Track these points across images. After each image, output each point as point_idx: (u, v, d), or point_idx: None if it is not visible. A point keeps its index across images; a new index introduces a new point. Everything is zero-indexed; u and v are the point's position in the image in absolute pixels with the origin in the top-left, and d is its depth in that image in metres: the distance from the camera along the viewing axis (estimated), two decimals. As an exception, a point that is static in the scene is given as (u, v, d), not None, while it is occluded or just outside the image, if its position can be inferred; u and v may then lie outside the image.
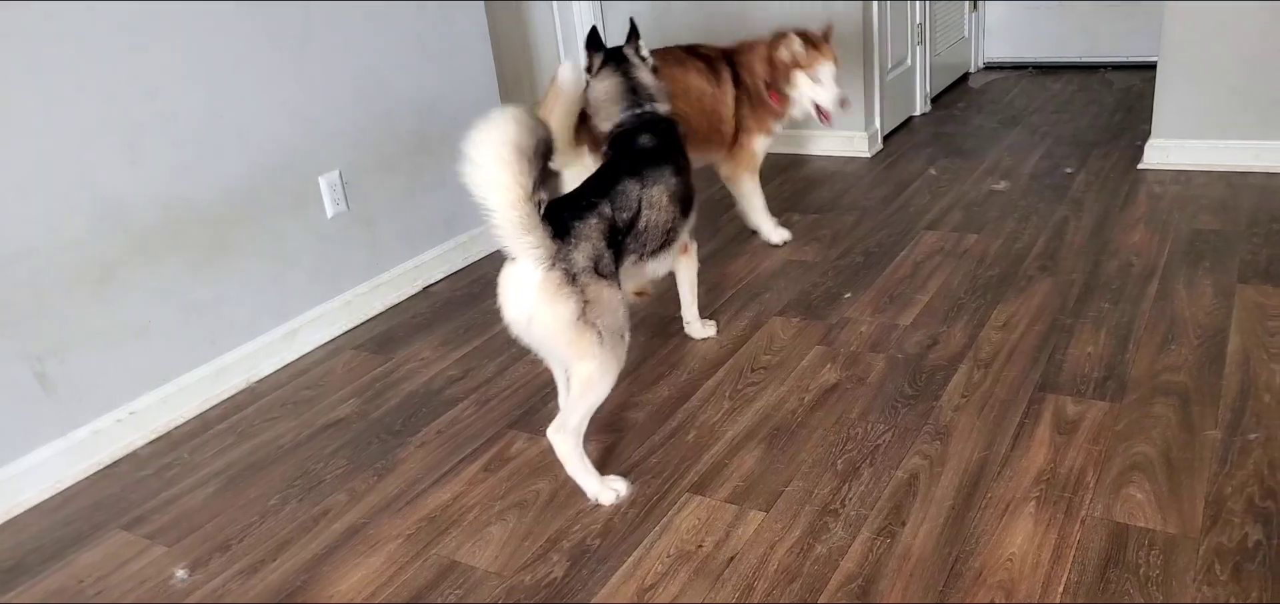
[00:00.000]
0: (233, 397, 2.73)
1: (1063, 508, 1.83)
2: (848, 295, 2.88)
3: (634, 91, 2.36)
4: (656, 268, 2.30)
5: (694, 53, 3.17)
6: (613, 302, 1.96)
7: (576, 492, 2.09)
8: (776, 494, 2.00)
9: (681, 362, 2.60)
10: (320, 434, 2.48)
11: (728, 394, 2.41)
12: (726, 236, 3.48)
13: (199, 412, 2.65)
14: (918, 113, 4.85)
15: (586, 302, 1.90)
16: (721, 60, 3.16)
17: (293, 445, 2.44)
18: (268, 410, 2.63)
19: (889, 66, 4.42)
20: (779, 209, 3.67)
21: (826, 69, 3.11)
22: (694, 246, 2.61)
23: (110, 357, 2.43)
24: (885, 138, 4.46)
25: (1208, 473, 1.88)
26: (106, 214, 2.39)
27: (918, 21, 4.65)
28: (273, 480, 2.29)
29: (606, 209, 2.03)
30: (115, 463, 2.44)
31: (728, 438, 2.22)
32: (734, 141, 3.23)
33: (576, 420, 1.99)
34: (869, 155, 4.27)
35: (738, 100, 3.16)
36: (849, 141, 4.30)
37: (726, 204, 3.80)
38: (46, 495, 2.31)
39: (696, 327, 2.72)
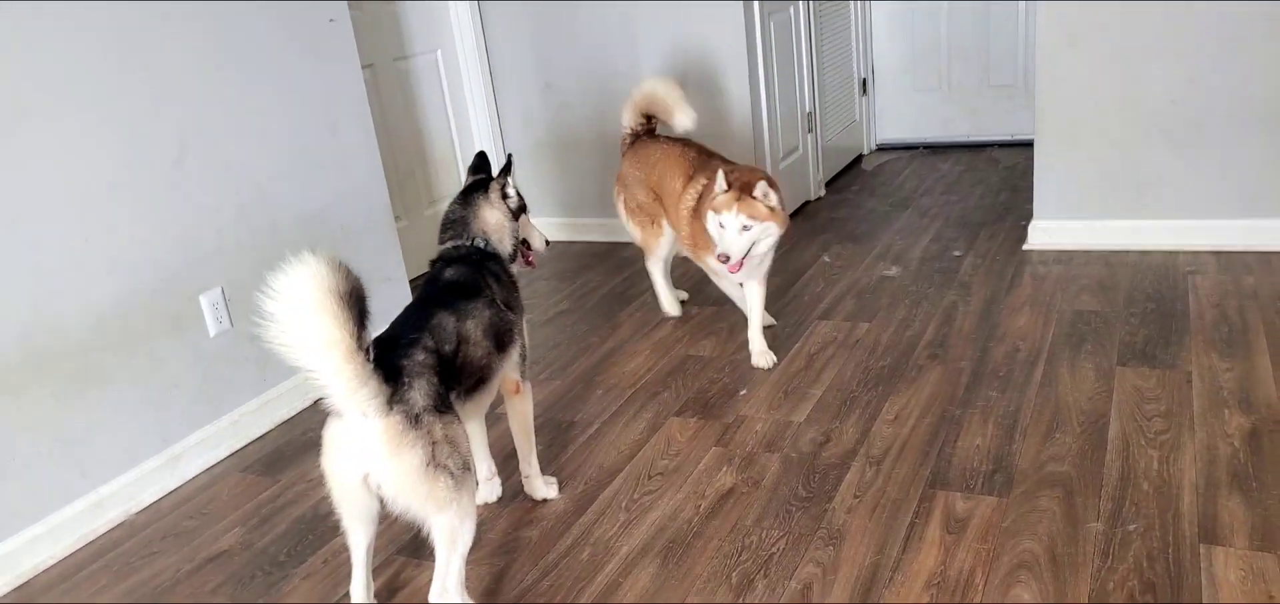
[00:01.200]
0: (110, 532, 2.58)
1: (953, 613, 1.84)
2: (743, 391, 2.89)
3: (463, 222, 2.29)
4: (470, 411, 2.12)
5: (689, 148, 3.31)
6: (460, 438, 1.83)
7: (468, 620, 2.02)
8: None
9: (579, 471, 2.57)
10: (201, 568, 2.36)
11: (624, 505, 2.38)
12: (624, 333, 3.48)
13: (72, 551, 2.50)
14: (813, 197, 4.96)
15: (433, 443, 1.75)
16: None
17: (171, 583, 2.31)
18: (147, 544, 2.50)
19: (781, 155, 4.52)
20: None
21: (731, 218, 2.82)
22: (527, 387, 2.37)
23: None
24: (784, 223, 4.54)
25: (1091, 568, 1.91)
26: (-37, 350, 2.27)
27: (807, 110, 4.78)
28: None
29: (430, 342, 1.88)
30: (-28, 617, 2.28)
31: (623, 554, 2.19)
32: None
33: (455, 580, 1.83)
34: (768, 242, 4.33)
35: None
36: (748, 229, 4.35)
37: (624, 300, 3.81)
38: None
39: (537, 483, 2.44)
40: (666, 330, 3.45)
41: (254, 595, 2.21)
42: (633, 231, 3.55)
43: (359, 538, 1.93)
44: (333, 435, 1.80)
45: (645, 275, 4.07)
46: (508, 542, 2.29)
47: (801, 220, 4.63)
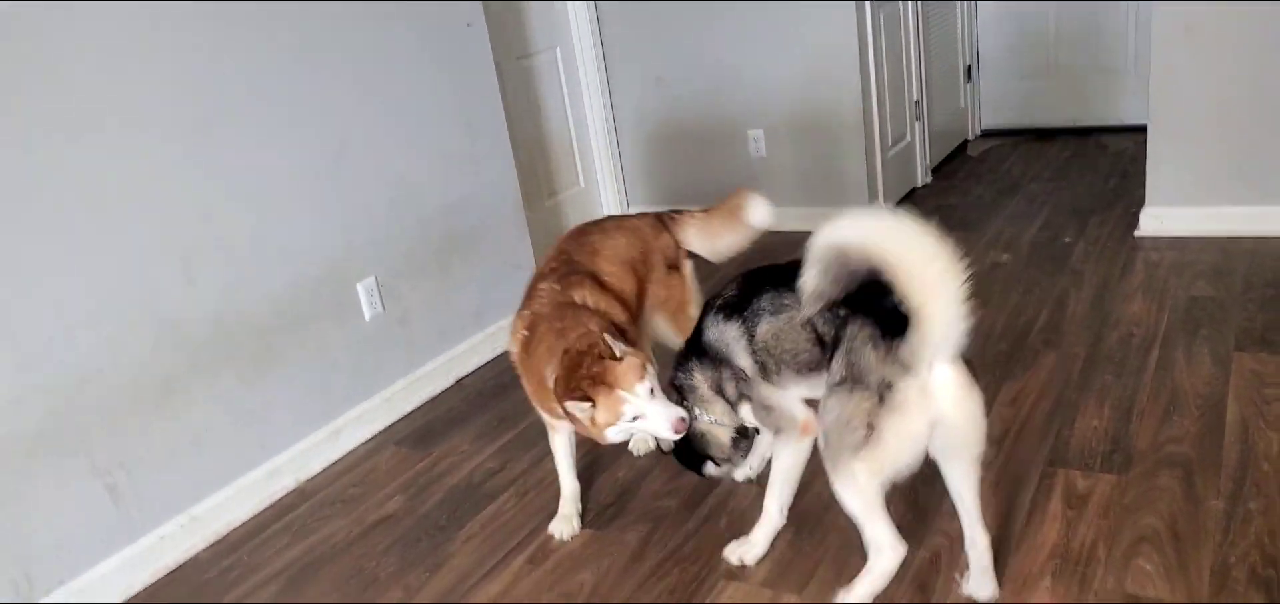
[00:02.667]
0: (283, 498, 2.87)
1: (1077, 581, 1.96)
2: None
3: None
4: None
5: None
6: None
7: (620, 579, 2.22)
8: (808, 576, 2.13)
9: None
10: (371, 531, 2.61)
11: (757, 479, 2.55)
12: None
13: (253, 513, 2.79)
14: (919, 184, 5.03)
15: None
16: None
17: (346, 543, 2.57)
18: (318, 509, 2.78)
19: (890, 144, 4.61)
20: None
21: (635, 399, 2.08)
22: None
23: (171, 465, 2.59)
24: (890, 211, 4.63)
25: (1212, 543, 2.01)
26: (165, 333, 2.56)
27: (914, 98, 4.86)
28: (331, 578, 2.42)
29: None
30: (180, 567, 2.58)
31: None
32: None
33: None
34: (875, 229, 4.43)
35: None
36: (855, 217, 4.46)
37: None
38: (119, 601, 2.44)
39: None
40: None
41: (422, 556, 2.46)
42: None
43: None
44: (911, 395, 1.76)
45: (757, 262, 4.23)
46: (650, 510, 2.48)
47: (909, 208, 4.70)
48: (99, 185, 2.41)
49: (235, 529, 2.73)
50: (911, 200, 4.82)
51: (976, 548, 1.98)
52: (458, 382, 3.48)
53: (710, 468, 2.18)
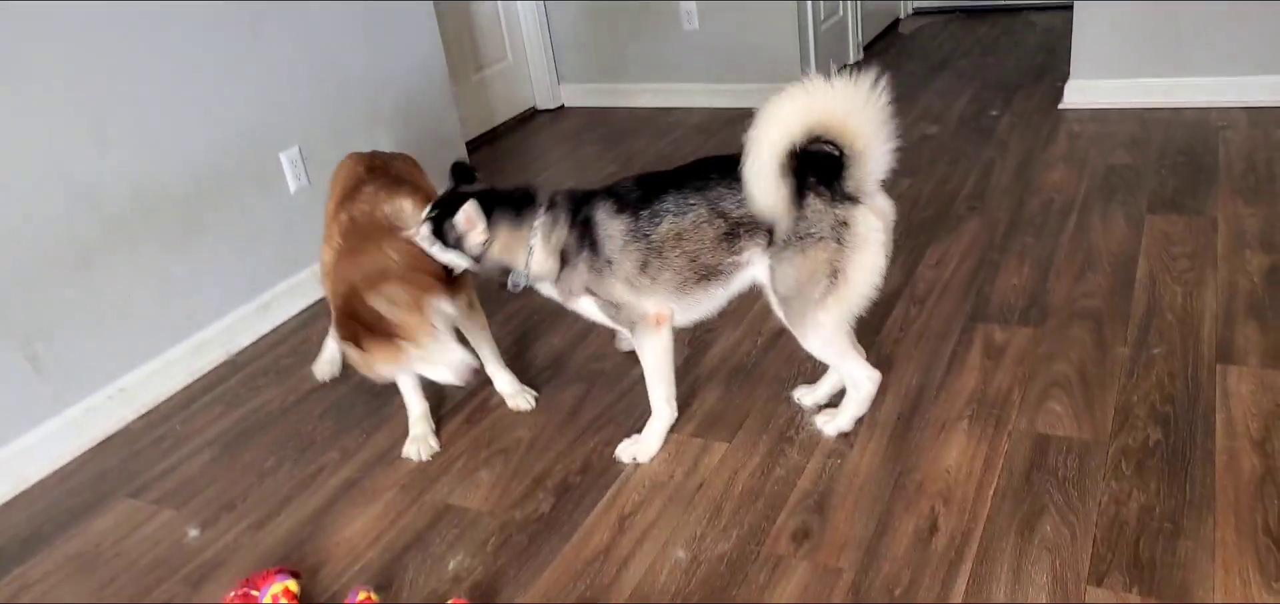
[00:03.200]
0: (215, 370, 2.84)
1: (992, 423, 2.07)
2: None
3: None
4: None
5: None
6: None
7: (554, 436, 2.27)
8: (737, 426, 2.20)
9: (642, 312, 2.78)
10: (305, 399, 2.61)
11: (686, 341, 2.60)
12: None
13: (184, 385, 2.76)
14: (851, 61, 5.05)
15: None
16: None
17: (280, 411, 2.57)
18: (250, 380, 2.76)
19: (822, 19, 4.61)
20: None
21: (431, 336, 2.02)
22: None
23: (96, 336, 2.54)
24: (822, 87, 4.64)
25: (1117, 385, 2.12)
26: (80, 197, 2.48)
27: (849, -27, 4.84)
28: (266, 444, 2.42)
29: None
30: (110, 437, 2.55)
31: (690, 380, 2.42)
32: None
33: None
34: (807, 105, 4.45)
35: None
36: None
37: (673, 161, 3.98)
38: (48, 472, 2.42)
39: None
40: (715, 187, 3.62)
41: (358, 419, 2.47)
42: None
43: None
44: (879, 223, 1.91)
45: (690, 138, 4.25)
46: (585, 371, 2.52)
47: (840, 84, 4.73)
48: (11, 48, 2.29)
49: (166, 400, 2.70)
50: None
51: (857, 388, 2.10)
52: (390, 255, 3.44)
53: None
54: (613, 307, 2.05)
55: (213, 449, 2.45)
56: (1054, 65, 4.46)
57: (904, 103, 4.28)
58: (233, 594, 1.85)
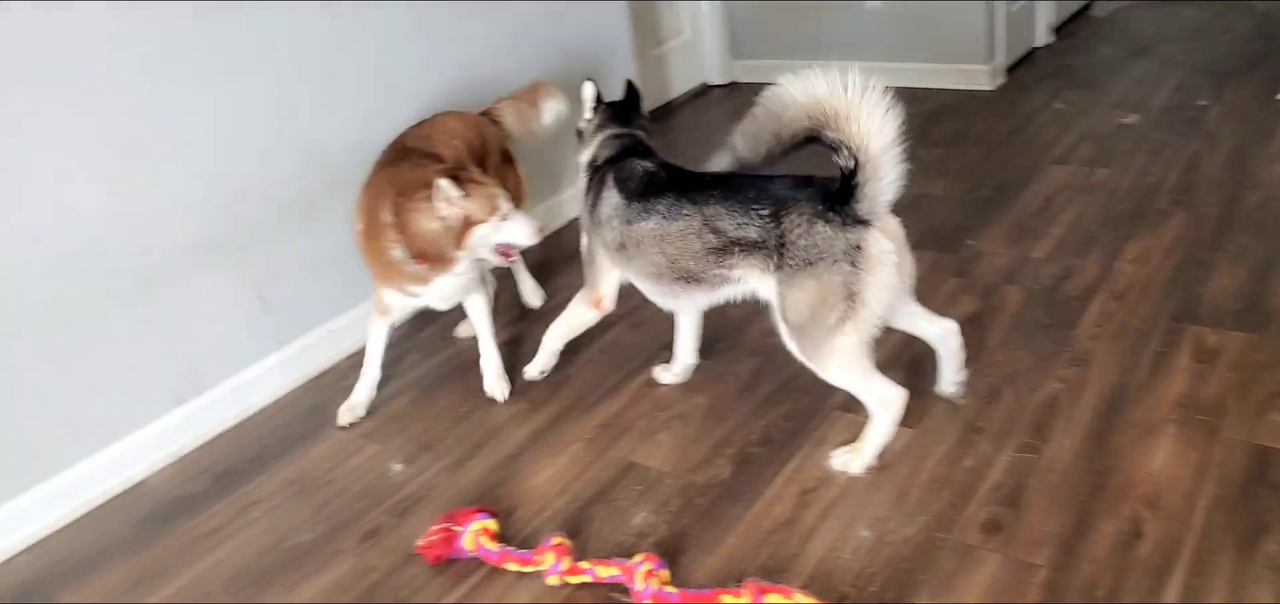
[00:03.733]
0: (413, 318, 3.01)
1: (1203, 431, 1.97)
2: (973, 232, 3.00)
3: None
4: None
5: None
6: None
7: (733, 406, 2.31)
8: (923, 413, 2.18)
9: (823, 290, 2.78)
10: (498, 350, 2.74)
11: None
12: (856, 171, 3.61)
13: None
14: (1040, 44, 4.84)
15: None
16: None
17: (473, 361, 2.70)
18: (445, 330, 2.91)
19: (1013, -1, 4.43)
20: (903, 145, 3.78)
21: (504, 201, 2.26)
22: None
23: (313, 281, 2.74)
24: (1007, 70, 4.48)
25: (1347, 401, 1.99)
26: (309, 154, 2.67)
27: (1044, -48, 4.63)
28: (460, 391, 2.57)
29: None
30: (321, 374, 2.76)
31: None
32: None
33: None
34: (991, 88, 4.31)
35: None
36: (969, 75, 4.34)
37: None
38: (269, 401, 2.65)
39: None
40: (896, 169, 3.56)
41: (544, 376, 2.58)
42: None
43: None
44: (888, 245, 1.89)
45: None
46: (760, 345, 2.55)
47: (1028, 67, 4.56)
48: (254, 20, 2.50)
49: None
50: (1030, 61, 4.65)
51: (949, 339, 2.15)
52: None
53: None
54: (587, 253, 2.27)
55: (412, 392, 2.61)
56: (1273, 52, 4.14)
57: (1097, 89, 4.08)
58: (436, 527, 1.98)
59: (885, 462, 2.04)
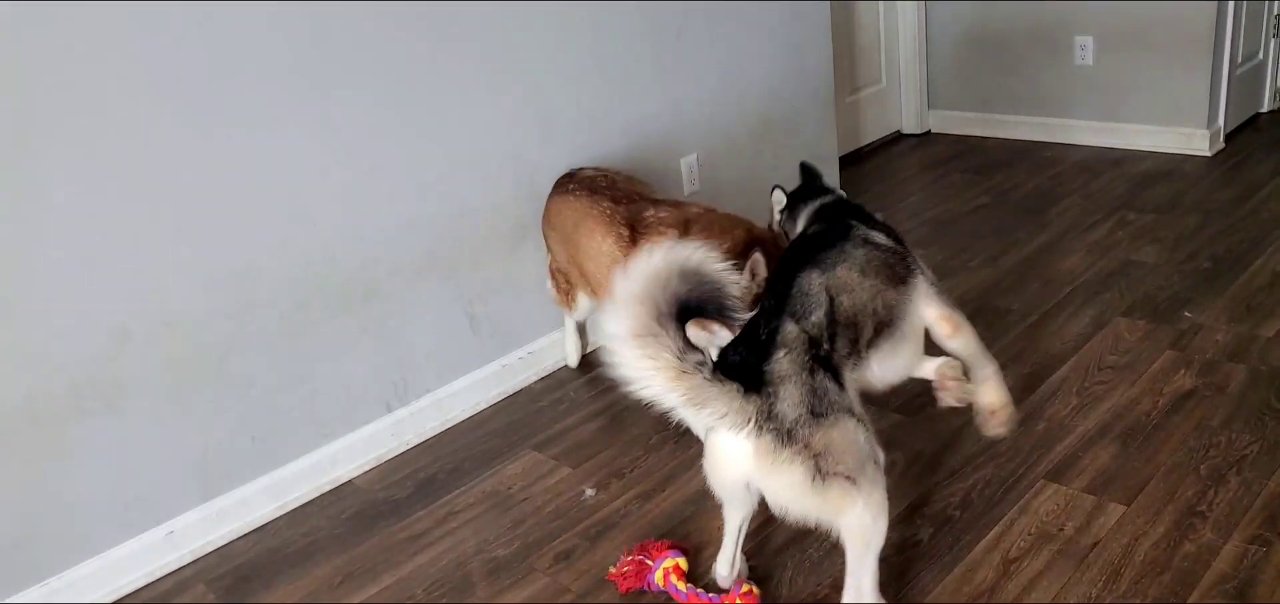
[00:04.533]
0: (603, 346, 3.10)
1: None
2: (1191, 304, 2.83)
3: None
4: (889, 368, 1.87)
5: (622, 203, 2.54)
6: (848, 437, 1.62)
7: (933, 464, 2.26)
8: (1137, 490, 2.08)
9: (1022, 355, 2.69)
10: (683, 387, 2.79)
11: (1075, 390, 2.48)
12: (1056, 231, 3.48)
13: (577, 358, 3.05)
14: (1265, 109, 4.53)
15: (814, 456, 1.57)
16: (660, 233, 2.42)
17: (661, 395, 2.76)
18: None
19: (1239, 60, 4.17)
20: (1112, 207, 3.62)
21: None
22: (959, 315, 1.97)
23: (517, 303, 2.87)
24: (1227, 136, 4.22)
25: None
26: (523, 182, 2.80)
27: (1275, 12, 4.34)
28: (650, 421, 2.61)
29: (790, 326, 1.65)
30: (516, 393, 2.88)
31: (1079, 432, 2.31)
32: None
33: (869, 581, 1.68)
34: (1209, 154, 4.06)
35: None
36: (1186, 139, 4.11)
37: (1052, 198, 3.80)
38: (469, 414, 2.78)
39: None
40: (1103, 233, 3.41)
41: (734, 414, 2.59)
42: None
43: (734, 519, 1.87)
44: (711, 443, 1.69)
45: (1072, 176, 4.05)
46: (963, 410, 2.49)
47: (1251, 133, 4.27)
48: (471, 49, 2.65)
49: (562, 367, 3.00)
50: (1254, 126, 4.35)
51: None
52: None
53: None
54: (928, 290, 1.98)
55: (602, 418, 2.69)
56: None
57: (1336, 161, 3.78)
58: (628, 558, 2.03)
59: (1095, 537, 1.95)
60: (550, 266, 2.85)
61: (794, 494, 1.59)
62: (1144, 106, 4.18)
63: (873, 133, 4.79)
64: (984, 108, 4.73)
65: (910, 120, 4.91)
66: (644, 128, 3.12)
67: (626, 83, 3.04)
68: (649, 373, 1.50)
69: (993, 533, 2.02)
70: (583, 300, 2.74)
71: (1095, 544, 1.94)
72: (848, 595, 1.69)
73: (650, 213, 2.48)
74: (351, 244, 2.49)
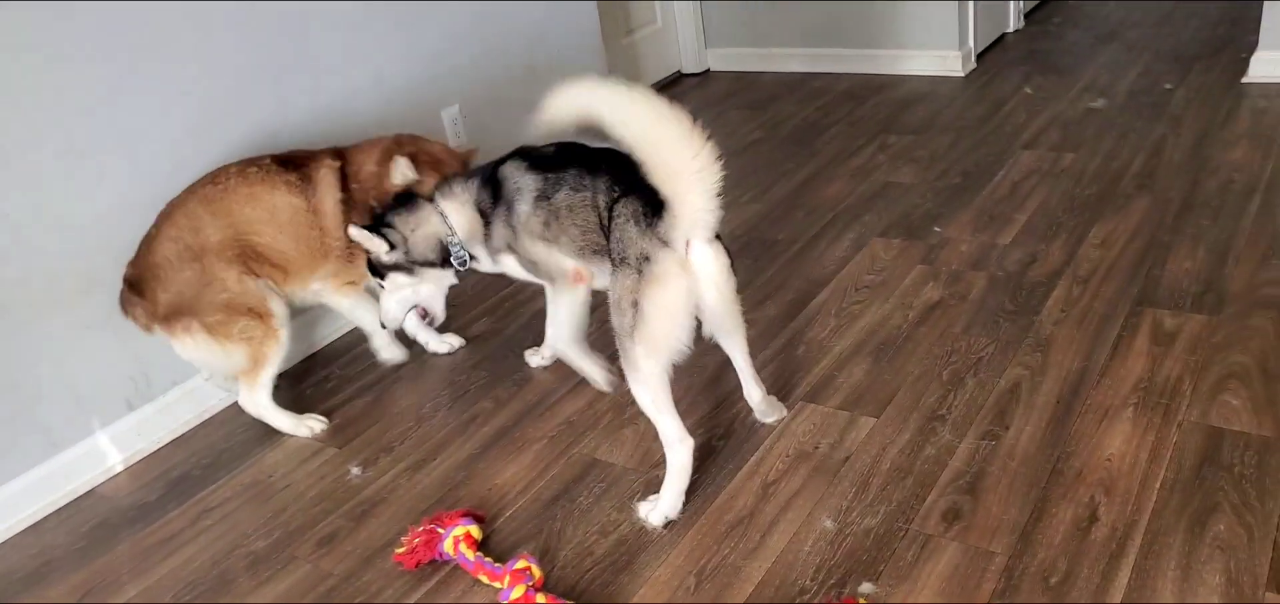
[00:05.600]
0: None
1: (1160, 413, 1.97)
2: (940, 219, 2.99)
3: None
4: None
5: (287, 164, 2.41)
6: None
7: (697, 401, 2.29)
8: (886, 402, 2.17)
9: (786, 283, 2.76)
10: (460, 349, 2.71)
11: (834, 312, 2.57)
12: (822, 160, 3.60)
13: (342, 333, 2.90)
14: (1011, 29, 4.84)
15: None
16: (322, 163, 2.43)
17: (434, 360, 2.68)
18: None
19: (984, -16, 4.42)
20: (874, 131, 3.77)
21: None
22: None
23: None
24: (979, 56, 4.48)
25: (1303, 381, 1.99)
26: (262, 145, 2.60)
27: (1013, -63, 4.63)
28: (423, 391, 2.54)
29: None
30: (279, 377, 2.71)
31: (836, 352, 2.39)
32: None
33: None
34: (962, 75, 4.31)
35: (345, 206, 2.43)
36: (942, 61, 4.33)
37: (819, 128, 3.92)
38: (228, 403, 2.60)
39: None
40: (865, 158, 3.55)
41: (510, 371, 2.55)
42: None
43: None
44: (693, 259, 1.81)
45: (839, 105, 4.18)
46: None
47: (999, 52, 4.56)
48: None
49: (328, 345, 2.85)
50: (1001, 45, 4.65)
51: (753, 400, 2.18)
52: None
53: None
54: (531, 263, 2.13)
55: (374, 392, 2.57)
56: (1238, 36, 4.15)
57: (1067, 75, 4.08)
58: (419, 528, 1.95)
59: (847, 451, 2.03)
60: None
61: (731, 291, 1.89)
62: (904, 32, 4.37)
63: (653, 74, 4.80)
64: (760, 42, 4.83)
65: (690, 59, 4.95)
66: (394, 82, 2.98)
67: (369, 36, 2.89)
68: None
69: (753, 459, 2.07)
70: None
71: (847, 458, 2.02)
72: None
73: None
74: (50, 238, 2.25)
